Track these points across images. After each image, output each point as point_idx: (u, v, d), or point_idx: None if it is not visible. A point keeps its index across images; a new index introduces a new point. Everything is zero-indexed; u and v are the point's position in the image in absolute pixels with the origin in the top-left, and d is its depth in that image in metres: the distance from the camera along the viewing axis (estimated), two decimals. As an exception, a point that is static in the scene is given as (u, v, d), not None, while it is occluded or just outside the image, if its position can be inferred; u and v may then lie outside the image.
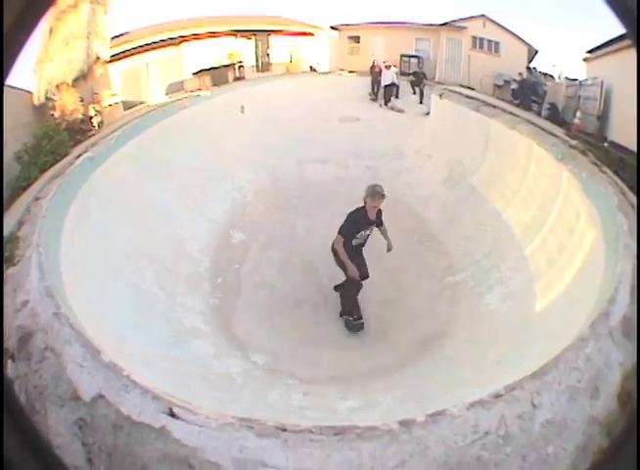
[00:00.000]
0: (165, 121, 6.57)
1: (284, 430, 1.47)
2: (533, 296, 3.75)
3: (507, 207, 5.01)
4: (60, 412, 1.47)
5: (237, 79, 10.84)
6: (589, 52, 9.30)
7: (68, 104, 9.21)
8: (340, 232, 3.96)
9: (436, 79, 10.78)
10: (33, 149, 6.59)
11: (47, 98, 9.06)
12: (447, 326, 4.06)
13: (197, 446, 1.36)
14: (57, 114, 9.14)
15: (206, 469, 1.34)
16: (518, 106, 9.67)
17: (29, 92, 9.11)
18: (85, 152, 5.56)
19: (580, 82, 9.13)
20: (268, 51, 13.25)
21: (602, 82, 7.73)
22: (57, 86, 9.10)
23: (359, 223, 4.03)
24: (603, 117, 7.45)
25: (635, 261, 2.77)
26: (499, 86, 10.89)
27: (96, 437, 1.37)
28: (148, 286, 4.02)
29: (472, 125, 6.32)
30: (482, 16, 12.56)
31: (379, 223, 4.26)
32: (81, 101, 9.54)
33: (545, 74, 12.95)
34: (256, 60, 12.61)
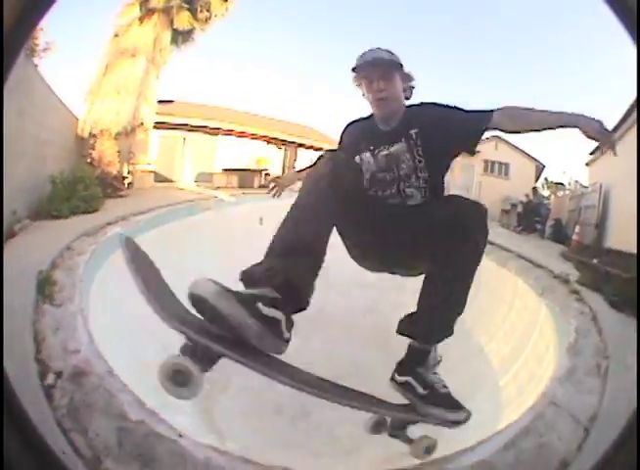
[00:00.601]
0: (189, 219, 7.17)
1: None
2: (501, 424, 3.87)
3: (490, 341, 5.24)
4: (104, 419, 1.87)
5: (261, 186, 11.48)
6: (591, 154, 9.81)
7: (107, 154, 10.08)
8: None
9: None
10: (69, 184, 7.02)
11: (90, 134, 9.99)
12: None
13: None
14: (95, 156, 10.00)
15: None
16: (521, 231, 10.18)
17: (76, 117, 10.05)
18: (115, 222, 5.98)
19: (582, 192, 9.53)
20: (295, 164, 13.93)
21: (600, 186, 8.09)
22: (100, 131, 9.95)
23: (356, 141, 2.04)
24: (601, 225, 7.72)
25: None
26: (506, 211, 11.50)
27: (129, 439, 1.79)
28: (144, 357, 4.26)
29: None
30: (495, 137, 13.41)
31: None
32: (118, 155, 10.40)
33: (557, 184, 13.48)
34: (283, 170, 13.34)
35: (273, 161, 13.20)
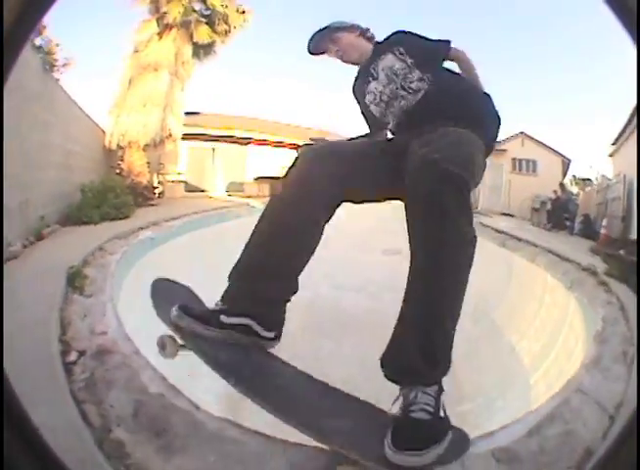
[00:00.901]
0: (222, 225, 7.36)
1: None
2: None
3: (521, 339, 5.17)
4: (122, 392, 1.94)
5: None
6: (613, 144, 9.55)
7: (137, 164, 10.31)
8: None
9: (479, 209, 11.34)
10: (99, 193, 7.20)
11: (118, 147, 10.20)
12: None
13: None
14: (124, 166, 10.28)
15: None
16: (551, 229, 9.99)
17: (102, 130, 10.35)
18: (147, 227, 6.15)
19: (608, 184, 9.28)
20: None
21: (624, 177, 7.86)
22: (129, 143, 10.12)
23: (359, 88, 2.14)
24: (627, 217, 7.51)
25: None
26: (536, 209, 11.31)
27: (143, 410, 1.84)
28: (173, 361, 4.41)
29: (498, 262, 6.66)
30: (521, 133, 13.18)
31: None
32: (148, 166, 10.67)
33: (584, 180, 13.19)
34: None
35: None
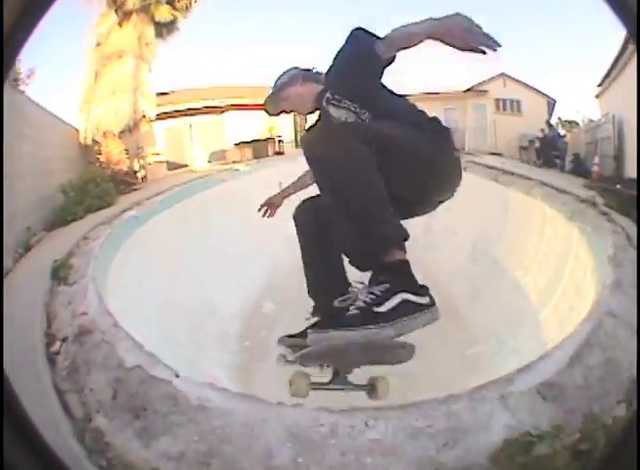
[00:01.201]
0: (206, 193, 7.09)
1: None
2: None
3: (526, 275, 5.07)
4: (101, 373, 1.92)
5: (276, 153, 11.37)
6: (599, 85, 9.43)
7: (114, 153, 10.11)
8: None
9: (466, 150, 11.16)
10: (80, 189, 7.06)
11: (94, 141, 10.03)
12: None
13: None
14: (102, 158, 10.01)
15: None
16: (542, 165, 9.87)
17: (76, 129, 10.05)
18: (130, 209, 6.05)
19: (596, 124, 9.23)
20: (306, 126, 13.71)
21: (613, 117, 7.82)
22: (104, 133, 10.01)
23: None
24: (619, 156, 7.49)
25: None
26: (524, 148, 11.15)
27: (121, 390, 1.80)
28: (177, 335, 4.32)
29: (492, 197, 6.56)
30: (502, 74, 12.90)
31: None
32: (126, 152, 10.46)
33: (570, 122, 13.10)
34: (295, 134, 13.19)
35: (283, 127, 13.01)
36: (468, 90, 12.25)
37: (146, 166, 11.56)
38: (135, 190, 9.41)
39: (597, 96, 9.83)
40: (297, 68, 2.21)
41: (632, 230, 3.71)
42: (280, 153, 12.35)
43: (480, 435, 1.45)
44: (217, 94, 14.22)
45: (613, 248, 3.39)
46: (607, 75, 9.13)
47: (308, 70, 2.20)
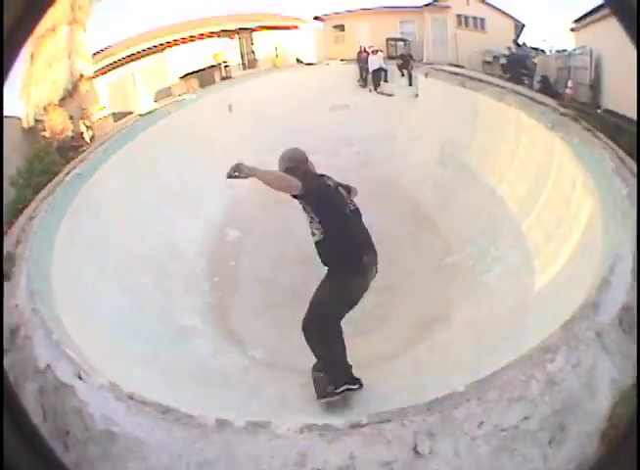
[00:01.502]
0: (151, 129, 6.59)
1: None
2: (532, 273, 3.65)
3: (501, 182, 4.92)
4: (31, 384, 1.87)
5: (224, 79, 10.76)
6: (576, 22, 9.18)
7: (57, 123, 9.28)
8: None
9: (425, 61, 10.66)
10: (27, 171, 6.60)
11: (36, 120, 9.15)
12: (446, 309, 3.96)
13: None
14: (47, 134, 9.17)
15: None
16: (509, 80, 9.57)
17: (18, 117, 9.15)
18: (74, 167, 5.70)
19: (570, 53, 9.01)
20: (253, 48, 13.22)
21: (591, 51, 7.62)
22: (44, 108, 9.17)
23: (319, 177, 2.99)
24: (595, 87, 7.32)
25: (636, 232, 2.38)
26: (488, 62, 10.75)
27: (47, 398, 1.80)
28: (144, 288, 4.08)
29: (459, 102, 6.28)
30: (464, -8, 12.33)
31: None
32: (71, 118, 9.58)
33: (536, 49, 12.83)
34: (242, 58, 12.56)
35: (229, 51, 12.32)
36: (427, 5, 11.58)
37: (93, 126, 11.14)
38: (84, 151, 8.80)
39: (573, 30, 9.59)
40: None
41: (622, 154, 3.49)
42: (227, 77, 11.81)
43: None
44: (155, 35, 13.45)
45: (613, 162, 3.29)
46: (590, 14, 8.84)
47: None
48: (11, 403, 1.04)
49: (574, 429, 1.56)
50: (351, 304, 2.83)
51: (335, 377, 2.75)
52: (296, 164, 2.97)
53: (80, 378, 1.84)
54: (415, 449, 1.57)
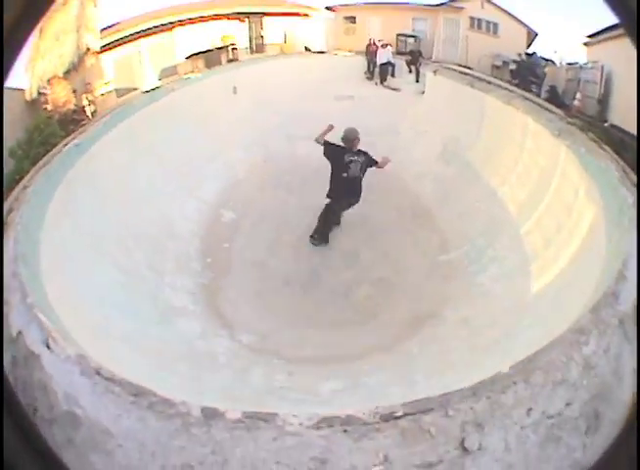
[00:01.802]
0: (154, 105, 6.56)
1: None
2: (529, 276, 3.66)
3: (502, 184, 4.90)
4: (6, 354, 1.71)
5: (230, 61, 10.63)
6: (590, 37, 9.17)
7: (60, 96, 9.15)
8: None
9: (434, 59, 10.60)
10: (26, 143, 6.51)
11: (39, 93, 9.01)
12: (440, 306, 3.96)
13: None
14: (49, 107, 9.28)
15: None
16: (517, 86, 9.53)
17: (21, 90, 9.24)
18: (73, 138, 5.62)
19: (581, 66, 9.01)
20: (262, 33, 13.06)
21: (602, 66, 7.63)
22: (48, 80, 8.99)
23: (341, 149, 4.58)
24: (603, 101, 7.32)
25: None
26: (497, 67, 10.69)
27: (18, 369, 1.68)
28: (135, 266, 4.01)
29: (466, 101, 6.23)
30: (482, -3, 12.26)
31: (368, 159, 4.68)
32: (74, 92, 9.47)
33: (546, 60, 12.78)
34: (250, 42, 12.41)
35: (238, 34, 12.20)
36: (442, 4, 11.51)
37: (95, 101, 11.01)
38: (84, 125, 8.80)
39: (586, 44, 9.59)
40: None
41: (628, 170, 3.51)
42: (234, 60, 11.67)
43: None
44: (166, 13, 13.32)
45: (618, 171, 3.35)
46: (605, 31, 8.83)
47: None
48: (11, 403, 1.05)
49: (607, 417, 1.51)
50: (340, 209, 4.90)
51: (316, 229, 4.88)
52: (343, 136, 4.63)
53: (48, 347, 1.73)
54: (462, 445, 1.33)
